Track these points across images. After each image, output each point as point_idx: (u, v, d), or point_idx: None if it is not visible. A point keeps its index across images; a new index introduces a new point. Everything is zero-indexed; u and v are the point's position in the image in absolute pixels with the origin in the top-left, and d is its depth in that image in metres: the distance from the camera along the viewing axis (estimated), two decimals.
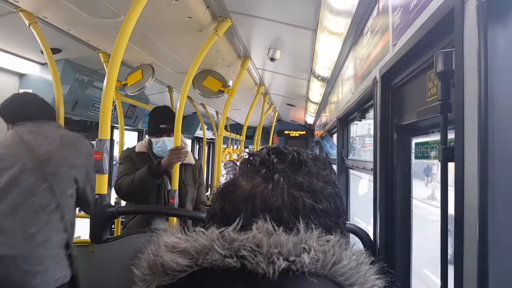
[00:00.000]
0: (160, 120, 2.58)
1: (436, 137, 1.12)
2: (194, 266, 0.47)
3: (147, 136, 2.71)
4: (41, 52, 2.41)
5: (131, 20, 1.64)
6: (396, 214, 1.37)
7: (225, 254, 0.46)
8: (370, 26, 1.64)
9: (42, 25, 2.22)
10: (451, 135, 0.85)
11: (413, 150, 1.31)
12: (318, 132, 5.91)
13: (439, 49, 0.86)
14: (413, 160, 1.32)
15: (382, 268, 0.54)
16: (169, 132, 2.54)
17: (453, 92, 0.82)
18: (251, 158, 0.59)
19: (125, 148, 2.92)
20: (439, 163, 0.87)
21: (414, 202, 1.38)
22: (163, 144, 2.55)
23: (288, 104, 5.99)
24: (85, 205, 1.93)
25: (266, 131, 7.76)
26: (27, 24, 2.13)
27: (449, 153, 0.84)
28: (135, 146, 2.69)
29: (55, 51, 2.72)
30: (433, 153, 1.10)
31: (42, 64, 3.01)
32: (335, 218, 0.55)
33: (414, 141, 1.31)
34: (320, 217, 0.53)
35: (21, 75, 3.03)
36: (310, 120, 6.67)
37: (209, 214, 0.57)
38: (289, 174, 0.54)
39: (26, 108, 1.94)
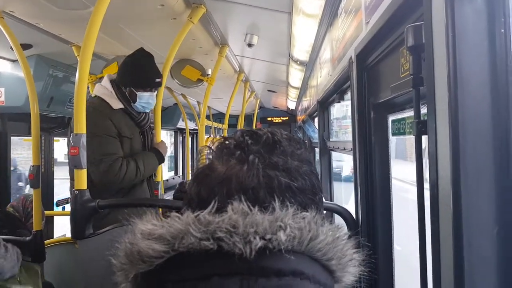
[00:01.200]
0: (154, 72, 2.19)
1: (411, 113, 1.14)
2: (171, 251, 0.47)
3: (108, 81, 2.18)
4: (11, 48, 2.34)
5: (101, 10, 1.60)
6: (376, 192, 1.39)
7: (201, 237, 0.46)
8: (344, 6, 1.64)
9: (9, 20, 2.14)
10: (424, 110, 0.86)
11: (390, 127, 1.33)
12: (300, 117, 5.94)
13: (410, 24, 0.87)
14: (391, 137, 1.34)
15: (362, 242, 0.55)
16: (159, 86, 2.22)
17: (424, 66, 0.83)
18: (226, 141, 0.58)
19: None
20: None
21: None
22: (150, 100, 2.19)
23: (269, 91, 5.98)
24: None
25: (249, 118, 7.76)
26: None
27: (423, 126, 0.85)
28: (103, 100, 2.12)
29: (25, 46, 2.63)
30: (408, 130, 1.11)
31: (13, 61, 2.92)
32: (311, 196, 0.55)
33: (391, 118, 1.33)
34: (296, 195, 0.53)
35: None
36: (292, 105, 6.68)
37: (185, 199, 0.57)
38: (264, 155, 0.54)
39: None
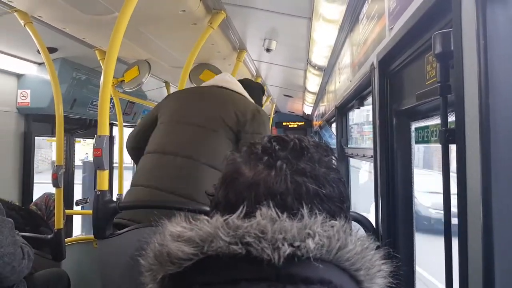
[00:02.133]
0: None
1: (435, 121, 1.12)
2: (200, 254, 0.48)
3: None
4: (38, 52, 2.40)
5: (125, 15, 1.63)
6: (398, 200, 1.37)
7: (230, 241, 0.47)
8: (366, 11, 1.63)
9: (37, 25, 2.20)
10: (451, 118, 0.84)
11: (413, 135, 1.31)
12: (316, 122, 5.90)
13: (436, 31, 0.86)
14: (414, 145, 1.32)
15: (388, 254, 0.54)
16: None
17: (452, 73, 0.81)
18: (253, 147, 0.58)
19: None
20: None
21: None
22: None
23: (285, 95, 5.98)
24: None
25: None
26: (23, 24, 2.11)
27: (450, 135, 0.83)
28: None
29: (51, 50, 2.70)
30: (433, 138, 1.09)
31: (39, 64, 3.00)
32: (339, 203, 0.55)
33: (414, 125, 1.31)
34: (324, 202, 0.53)
35: (19, 76, 3.02)
36: (308, 110, 6.65)
37: (213, 202, 0.57)
38: (292, 161, 0.54)
39: None
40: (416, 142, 1.26)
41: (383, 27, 1.32)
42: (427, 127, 1.15)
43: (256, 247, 0.46)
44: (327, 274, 0.47)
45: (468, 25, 0.72)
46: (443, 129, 0.84)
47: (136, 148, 1.90)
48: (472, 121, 0.71)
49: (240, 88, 1.94)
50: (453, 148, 0.83)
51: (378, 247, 0.53)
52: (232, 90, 1.90)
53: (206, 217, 0.50)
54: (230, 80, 1.95)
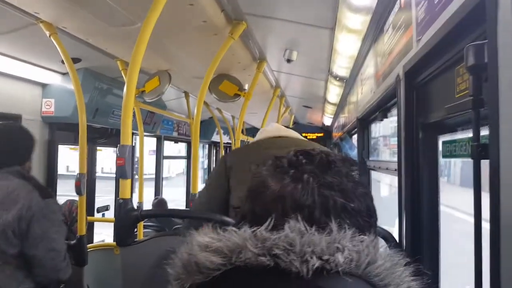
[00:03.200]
0: None
1: (464, 135, 1.08)
2: (228, 264, 0.48)
3: None
4: (62, 62, 2.46)
5: (149, 26, 1.65)
6: (423, 215, 1.33)
7: (258, 252, 0.47)
8: (391, 22, 1.60)
9: (62, 36, 2.26)
10: (482, 132, 0.81)
11: (440, 149, 1.27)
12: (336, 134, 5.84)
13: (469, 42, 0.82)
14: (440, 159, 1.28)
15: (417, 270, 0.52)
16: None
17: (486, 86, 0.78)
18: (277, 161, 0.58)
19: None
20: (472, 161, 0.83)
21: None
22: None
23: (304, 106, 5.94)
24: (35, 268, 1.70)
25: None
26: (48, 35, 2.17)
27: (483, 150, 0.80)
28: None
29: (75, 60, 2.77)
30: (462, 152, 1.05)
31: (63, 74, 3.08)
32: (366, 218, 0.54)
33: (441, 139, 1.27)
34: (352, 217, 0.52)
35: (43, 85, 3.10)
36: (327, 121, 6.60)
37: (239, 215, 0.58)
38: (319, 174, 0.54)
39: None
40: (443, 156, 1.21)
41: (410, 38, 1.29)
42: (455, 141, 1.11)
43: (285, 259, 0.45)
44: None
45: (504, 36, 0.69)
46: (475, 143, 0.80)
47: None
48: (507, 136, 0.68)
49: (297, 134, 1.84)
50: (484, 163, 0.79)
51: (407, 263, 0.52)
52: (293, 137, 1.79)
53: (234, 228, 0.50)
54: (285, 129, 1.86)
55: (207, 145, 8.27)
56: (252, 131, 7.88)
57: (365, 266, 0.47)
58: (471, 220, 0.85)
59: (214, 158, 8.43)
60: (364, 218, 0.54)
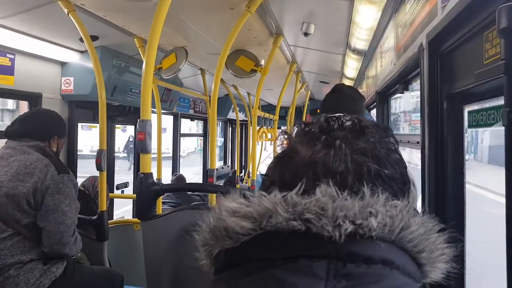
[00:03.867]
0: None
1: (493, 103, 1.05)
2: (258, 229, 0.47)
3: None
4: (80, 40, 2.47)
5: (166, 1, 1.63)
6: (448, 189, 1.31)
7: (289, 217, 0.46)
8: None
9: (79, 13, 2.26)
10: None
11: (465, 119, 1.24)
12: None
13: (499, 5, 0.79)
14: (466, 130, 1.25)
15: (452, 237, 0.52)
16: None
17: None
18: (306, 127, 0.57)
19: None
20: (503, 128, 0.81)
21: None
22: None
23: (321, 82, 5.85)
24: (44, 239, 1.81)
25: (298, 110, 7.65)
26: (66, 12, 2.17)
27: None
28: None
29: (93, 38, 2.77)
30: (490, 121, 1.03)
31: (82, 52, 3.10)
32: (401, 185, 0.53)
33: (467, 109, 1.24)
34: (385, 183, 0.51)
35: (62, 64, 3.13)
36: None
37: (266, 182, 0.56)
38: (351, 140, 0.52)
39: (23, 126, 1.94)
40: (469, 127, 1.19)
41: (434, 5, 1.25)
42: (482, 109, 1.08)
43: (316, 223, 0.45)
44: (389, 254, 0.46)
45: None
46: (507, 109, 0.78)
47: None
48: None
49: None
50: None
51: (441, 230, 0.51)
52: None
53: (263, 193, 0.50)
54: None
55: (220, 123, 8.27)
56: (267, 107, 7.85)
57: (399, 232, 0.46)
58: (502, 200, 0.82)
59: (230, 135, 8.46)
60: (398, 185, 0.52)
